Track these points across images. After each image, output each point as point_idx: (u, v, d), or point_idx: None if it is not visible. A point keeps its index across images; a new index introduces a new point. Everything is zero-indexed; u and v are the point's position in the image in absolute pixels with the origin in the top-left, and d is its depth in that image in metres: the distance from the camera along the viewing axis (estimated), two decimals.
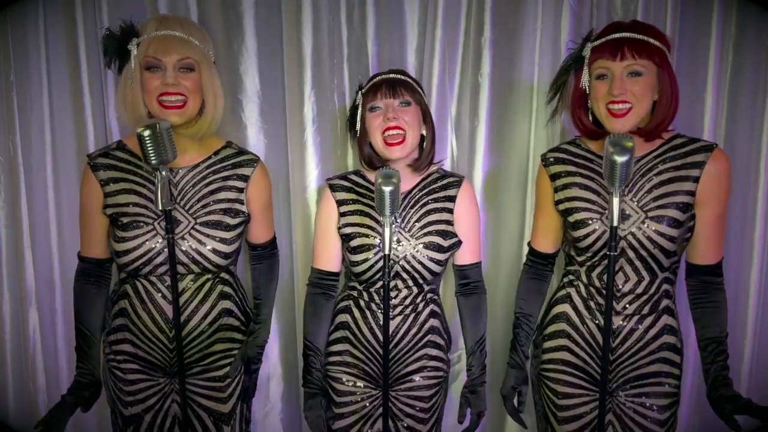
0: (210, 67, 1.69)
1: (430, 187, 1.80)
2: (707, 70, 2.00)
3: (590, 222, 1.64)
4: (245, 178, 1.76)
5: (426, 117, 1.78)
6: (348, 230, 1.76)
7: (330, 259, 1.81)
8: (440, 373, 1.83)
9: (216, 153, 1.77)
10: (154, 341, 1.71)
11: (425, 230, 1.75)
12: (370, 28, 2.06)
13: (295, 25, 2.01)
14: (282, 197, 2.16)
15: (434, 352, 1.81)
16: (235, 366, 1.78)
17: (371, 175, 1.82)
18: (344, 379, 1.81)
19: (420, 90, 1.79)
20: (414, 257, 1.72)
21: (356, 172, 1.86)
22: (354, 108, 1.81)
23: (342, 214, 1.78)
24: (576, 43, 1.73)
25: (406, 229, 1.75)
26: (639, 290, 1.65)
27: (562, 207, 1.70)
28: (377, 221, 1.76)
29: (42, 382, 2.24)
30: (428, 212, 1.77)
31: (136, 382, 1.74)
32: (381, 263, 1.72)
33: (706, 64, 2.00)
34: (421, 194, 1.79)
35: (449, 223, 1.77)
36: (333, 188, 1.81)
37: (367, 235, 1.74)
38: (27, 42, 2.05)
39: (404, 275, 1.74)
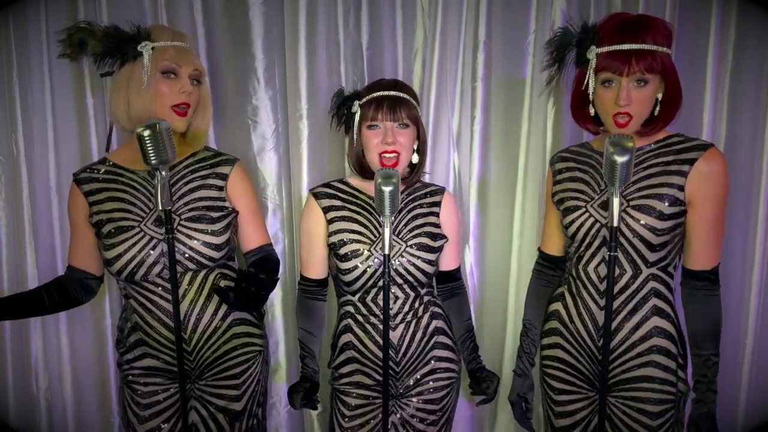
0: (206, 82, 1.78)
1: (415, 194, 1.83)
2: (706, 70, 2.00)
3: (576, 210, 1.64)
4: (224, 177, 1.77)
5: (419, 133, 1.78)
6: (335, 238, 1.75)
7: (317, 266, 1.82)
8: (451, 374, 1.83)
9: (193, 155, 1.79)
10: (170, 347, 1.70)
11: (414, 232, 1.76)
12: (365, 34, 2.07)
13: (295, 30, 2.02)
14: (285, 201, 2.16)
15: (443, 353, 1.81)
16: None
17: (355, 182, 1.84)
18: (354, 394, 1.80)
19: (417, 105, 1.78)
20: (405, 260, 1.73)
21: (340, 180, 1.85)
22: (347, 108, 1.77)
23: (329, 221, 1.77)
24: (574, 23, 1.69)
25: (395, 233, 1.76)
26: (621, 284, 1.61)
27: (556, 198, 1.72)
28: (365, 226, 1.76)
29: (43, 382, 2.25)
30: (415, 216, 1.79)
31: (155, 394, 1.74)
32: (371, 269, 1.72)
33: (705, 64, 2.00)
34: (407, 200, 1.81)
35: (436, 225, 1.79)
36: (317, 196, 1.80)
37: (356, 241, 1.74)
38: (29, 41, 2.06)
39: (398, 279, 1.73)
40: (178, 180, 1.73)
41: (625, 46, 1.53)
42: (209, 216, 1.71)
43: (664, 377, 1.62)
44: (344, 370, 1.81)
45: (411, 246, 1.74)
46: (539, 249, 1.85)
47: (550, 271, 1.82)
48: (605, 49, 1.55)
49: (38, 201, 2.16)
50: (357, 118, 1.75)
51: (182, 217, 1.69)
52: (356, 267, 1.72)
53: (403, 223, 1.77)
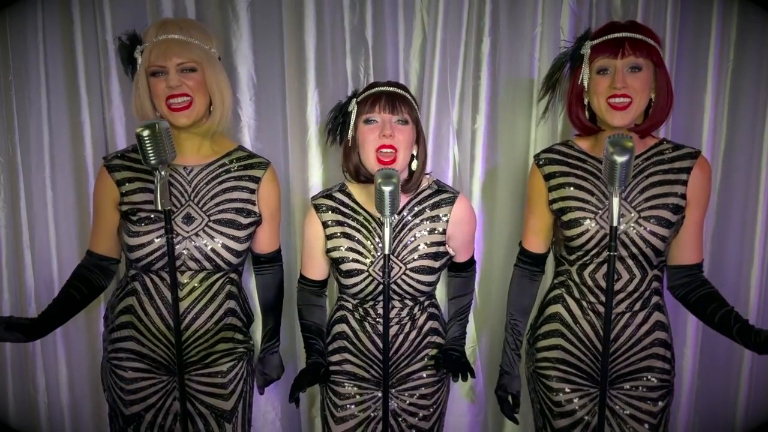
0: (213, 64, 1.71)
1: (421, 206, 1.76)
2: (707, 71, 2.01)
3: (583, 221, 1.66)
4: (257, 180, 1.77)
5: (419, 137, 1.74)
6: (336, 254, 1.74)
7: (317, 270, 1.83)
8: (442, 370, 1.83)
9: (228, 154, 1.79)
10: (159, 338, 1.71)
11: (414, 254, 1.73)
12: (368, 31, 2.05)
13: (296, 27, 2.01)
14: (282, 199, 2.14)
15: (435, 352, 1.81)
16: (261, 384, 1.96)
17: (355, 191, 1.79)
18: (345, 384, 1.80)
19: (417, 107, 1.76)
20: (404, 281, 1.72)
21: (341, 188, 1.81)
22: (344, 114, 1.76)
23: (328, 237, 1.75)
24: (573, 41, 1.75)
25: (396, 254, 1.72)
26: (630, 288, 1.67)
27: (556, 206, 1.72)
28: (363, 245, 1.74)
29: (42, 383, 2.24)
30: (419, 235, 1.74)
31: (138, 381, 1.74)
32: (372, 287, 1.72)
33: (706, 64, 2.00)
34: (410, 215, 1.75)
35: (441, 243, 1.75)
36: (318, 209, 1.78)
37: (356, 260, 1.72)
38: (26, 42, 2.05)
39: (396, 297, 1.73)
40: (212, 179, 1.74)
41: (619, 34, 1.63)
42: (238, 222, 1.72)
43: (662, 366, 1.72)
44: (334, 358, 1.80)
45: (412, 270, 1.72)
46: (522, 246, 1.85)
47: (534, 268, 1.84)
48: (599, 39, 1.65)
49: (35, 201, 2.15)
50: (353, 116, 1.72)
51: (211, 218, 1.71)
52: (356, 284, 1.73)
53: (403, 243, 1.73)
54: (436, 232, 1.75)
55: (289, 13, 2.01)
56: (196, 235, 1.69)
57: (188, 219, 1.70)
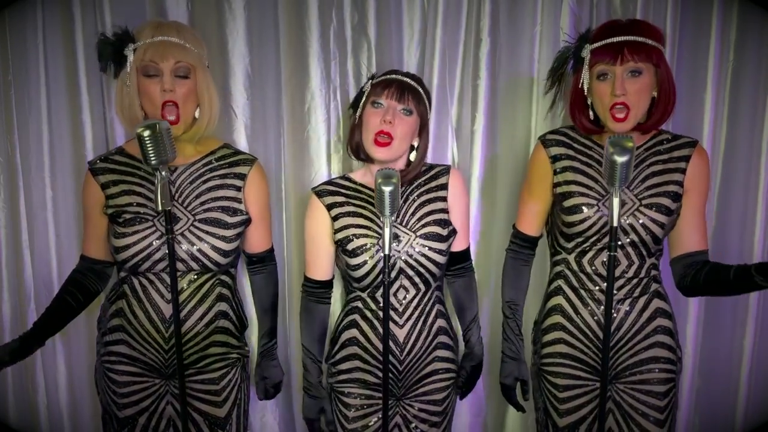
0: (204, 71, 1.71)
1: (420, 180, 1.81)
2: (707, 71, 2.01)
3: (585, 208, 1.67)
4: (242, 177, 1.76)
5: (422, 130, 1.77)
6: (343, 234, 1.74)
7: (322, 267, 1.81)
8: (452, 374, 1.83)
9: (213, 152, 1.78)
10: (150, 341, 1.70)
11: (423, 221, 1.75)
12: (371, 28, 2.05)
13: (294, 26, 2.01)
14: (274, 198, 2.14)
15: (444, 353, 1.81)
16: (261, 390, 1.95)
17: (357, 176, 1.83)
18: (356, 394, 1.79)
19: (427, 101, 1.78)
20: (415, 251, 1.72)
21: (342, 177, 1.85)
22: (360, 93, 1.80)
23: (334, 218, 1.76)
24: (573, 38, 1.75)
25: (403, 224, 1.74)
26: (630, 274, 1.68)
27: (560, 190, 1.72)
28: (371, 220, 1.75)
29: (41, 383, 2.24)
30: (423, 204, 1.77)
31: (130, 384, 1.73)
32: (381, 263, 1.71)
33: (706, 64, 2.01)
34: (411, 188, 1.79)
35: (444, 211, 1.77)
36: (320, 194, 1.79)
37: (364, 235, 1.73)
38: (25, 41, 2.05)
39: (409, 271, 1.72)
40: (196, 178, 1.74)
41: (617, 38, 1.62)
42: (224, 221, 1.71)
43: (668, 356, 1.71)
44: (343, 366, 1.80)
45: (420, 236, 1.72)
46: (516, 228, 1.85)
47: (529, 251, 1.85)
48: (598, 43, 1.64)
49: (34, 201, 2.15)
50: (365, 97, 1.75)
51: (196, 217, 1.70)
52: (365, 262, 1.72)
53: (410, 212, 1.76)
54: (438, 199, 1.78)
55: (286, 12, 2.01)
56: (182, 235, 1.68)
57: (173, 219, 1.67)
